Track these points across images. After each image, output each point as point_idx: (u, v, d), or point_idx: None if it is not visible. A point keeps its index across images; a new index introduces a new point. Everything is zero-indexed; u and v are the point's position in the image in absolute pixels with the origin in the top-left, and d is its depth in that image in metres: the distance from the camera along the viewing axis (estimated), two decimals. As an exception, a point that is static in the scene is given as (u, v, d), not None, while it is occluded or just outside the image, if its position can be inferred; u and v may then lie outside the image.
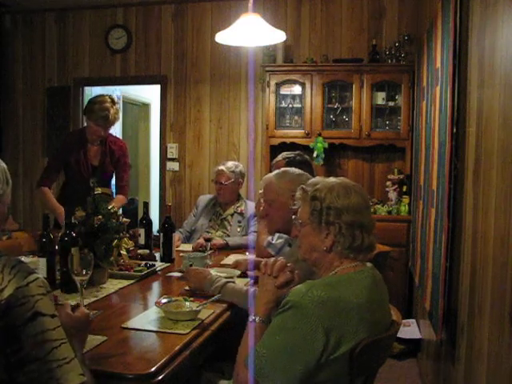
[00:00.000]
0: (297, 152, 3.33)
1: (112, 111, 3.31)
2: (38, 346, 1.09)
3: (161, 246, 2.87)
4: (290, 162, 3.10)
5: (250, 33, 2.67)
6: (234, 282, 2.22)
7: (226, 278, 2.30)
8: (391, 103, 4.51)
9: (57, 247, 2.24)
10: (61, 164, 3.49)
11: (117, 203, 3.42)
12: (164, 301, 1.92)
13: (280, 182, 2.20)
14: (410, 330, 3.66)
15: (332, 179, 1.58)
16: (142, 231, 3.03)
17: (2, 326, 1.07)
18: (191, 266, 2.48)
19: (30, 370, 1.08)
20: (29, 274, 1.13)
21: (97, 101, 3.35)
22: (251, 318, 1.50)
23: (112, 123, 3.38)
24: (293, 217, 1.63)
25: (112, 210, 2.37)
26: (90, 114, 3.34)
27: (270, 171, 3.52)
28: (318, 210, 1.50)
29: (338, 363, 1.36)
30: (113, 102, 3.36)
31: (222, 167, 3.58)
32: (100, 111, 3.29)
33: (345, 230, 1.47)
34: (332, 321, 1.34)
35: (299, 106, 4.65)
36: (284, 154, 3.25)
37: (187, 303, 1.91)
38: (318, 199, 1.50)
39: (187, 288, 2.23)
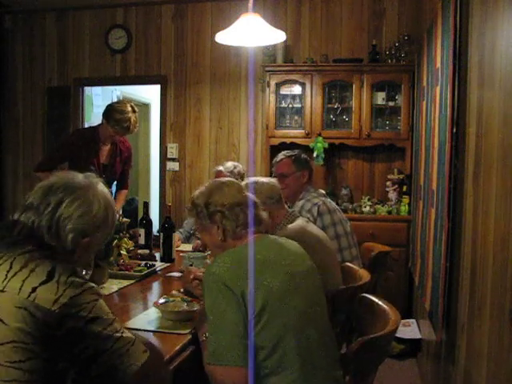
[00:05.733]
0: (297, 150, 3.34)
1: (133, 120, 3.39)
2: (105, 340, 1.17)
3: (161, 246, 2.88)
4: (296, 160, 3.12)
5: (250, 33, 2.67)
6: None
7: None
8: (391, 103, 4.50)
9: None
10: (65, 158, 3.51)
11: (123, 196, 3.70)
12: (162, 301, 1.92)
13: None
14: (410, 329, 3.65)
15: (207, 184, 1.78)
16: (141, 231, 3.04)
17: (65, 331, 1.11)
18: (191, 265, 2.48)
19: (101, 361, 1.17)
20: (83, 283, 1.18)
21: (119, 109, 3.38)
22: (201, 338, 1.61)
23: (131, 133, 3.46)
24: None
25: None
26: (110, 120, 3.37)
27: (271, 171, 3.54)
28: (199, 211, 1.70)
29: (266, 319, 1.44)
30: (133, 110, 3.42)
31: (220, 168, 3.59)
32: (122, 122, 3.35)
33: (227, 214, 1.65)
34: (240, 281, 1.45)
35: (299, 105, 4.64)
36: (285, 153, 3.25)
37: (185, 303, 1.92)
38: (196, 205, 1.71)
39: (181, 290, 2.23)
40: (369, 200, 4.53)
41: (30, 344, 1.08)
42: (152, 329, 1.77)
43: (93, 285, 1.20)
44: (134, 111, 3.41)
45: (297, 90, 4.66)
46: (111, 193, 3.67)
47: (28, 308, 1.08)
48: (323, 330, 1.59)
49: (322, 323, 1.61)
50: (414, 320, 3.82)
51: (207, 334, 1.49)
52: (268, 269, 1.51)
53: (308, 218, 2.71)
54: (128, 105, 3.43)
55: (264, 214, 1.71)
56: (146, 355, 1.22)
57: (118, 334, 1.19)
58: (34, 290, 1.10)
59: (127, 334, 1.22)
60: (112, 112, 3.37)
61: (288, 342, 1.46)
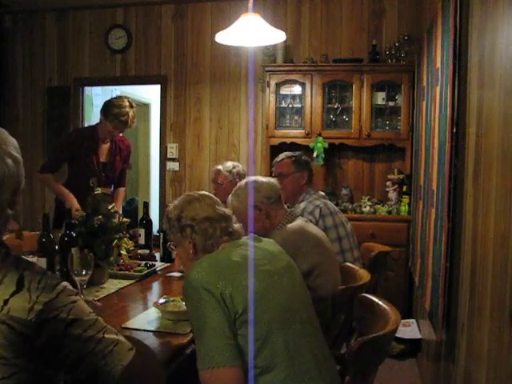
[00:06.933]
0: (298, 152, 3.33)
1: (131, 115, 3.39)
2: (86, 343, 1.12)
3: (161, 246, 2.88)
4: (296, 161, 3.12)
5: (250, 33, 2.67)
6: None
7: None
8: (391, 103, 4.51)
9: (57, 247, 2.24)
10: (67, 158, 3.54)
11: (122, 194, 3.73)
12: (162, 301, 1.92)
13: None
14: (410, 329, 3.65)
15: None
16: (142, 231, 3.04)
17: (46, 337, 1.07)
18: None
19: (86, 364, 1.13)
20: (55, 285, 1.11)
21: (116, 104, 3.39)
22: None
23: (129, 127, 3.46)
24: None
25: (112, 210, 2.37)
26: (108, 115, 3.38)
27: (271, 171, 3.54)
28: (171, 225, 1.73)
29: (250, 319, 1.44)
30: (131, 105, 3.43)
31: (219, 167, 3.59)
32: (120, 116, 3.36)
33: (197, 229, 1.68)
34: (219, 283, 1.46)
35: (299, 105, 4.64)
36: (286, 153, 3.25)
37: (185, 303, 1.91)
38: (169, 219, 1.75)
39: None
40: (369, 200, 4.53)
41: (11, 359, 1.03)
42: (152, 329, 1.77)
43: (66, 284, 1.13)
44: (131, 106, 3.42)
45: (297, 89, 4.66)
46: (111, 192, 3.70)
47: (4, 321, 1.03)
48: (310, 324, 1.60)
49: (308, 317, 1.61)
50: (414, 320, 3.82)
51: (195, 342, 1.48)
52: (245, 270, 1.52)
53: (310, 220, 2.71)
54: (126, 100, 3.44)
55: (236, 226, 1.75)
56: (131, 353, 1.18)
57: (100, 335, 1.14)
58: (5, 302, 1.04)
59: (110, 334, 1.17)
60: (110, 107, 3.39)
61: (275, 338, 1.47)
